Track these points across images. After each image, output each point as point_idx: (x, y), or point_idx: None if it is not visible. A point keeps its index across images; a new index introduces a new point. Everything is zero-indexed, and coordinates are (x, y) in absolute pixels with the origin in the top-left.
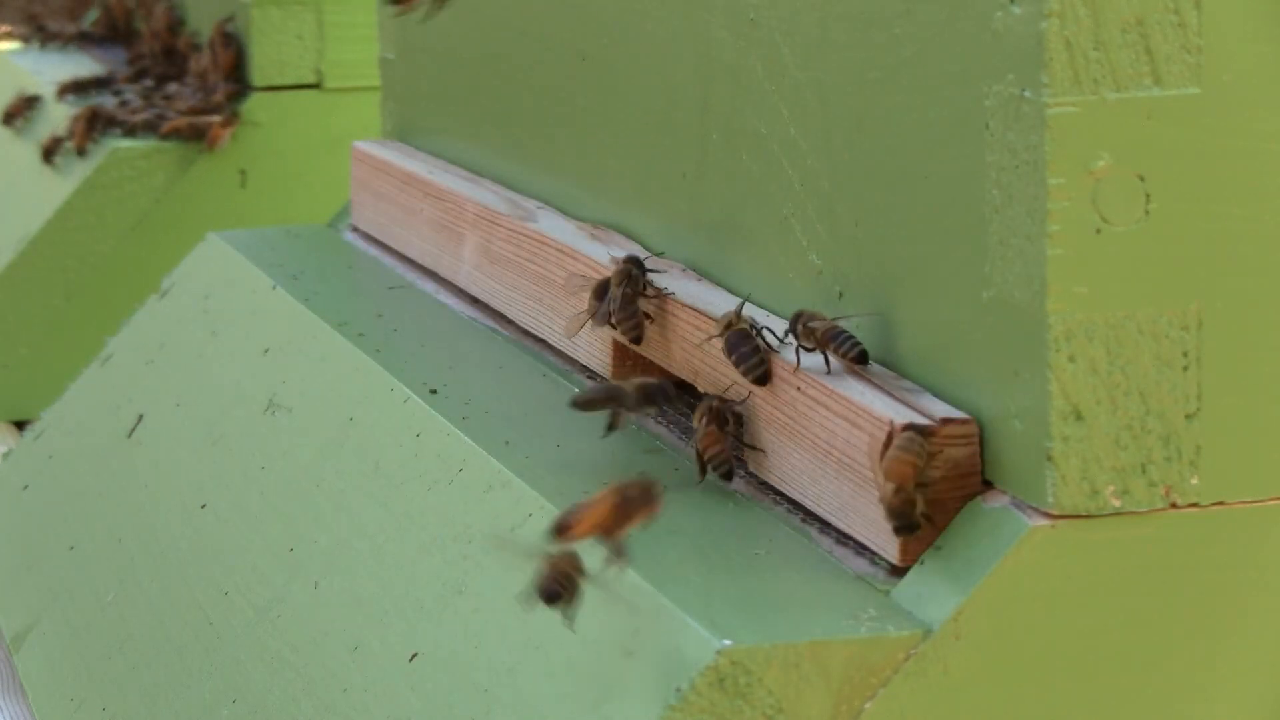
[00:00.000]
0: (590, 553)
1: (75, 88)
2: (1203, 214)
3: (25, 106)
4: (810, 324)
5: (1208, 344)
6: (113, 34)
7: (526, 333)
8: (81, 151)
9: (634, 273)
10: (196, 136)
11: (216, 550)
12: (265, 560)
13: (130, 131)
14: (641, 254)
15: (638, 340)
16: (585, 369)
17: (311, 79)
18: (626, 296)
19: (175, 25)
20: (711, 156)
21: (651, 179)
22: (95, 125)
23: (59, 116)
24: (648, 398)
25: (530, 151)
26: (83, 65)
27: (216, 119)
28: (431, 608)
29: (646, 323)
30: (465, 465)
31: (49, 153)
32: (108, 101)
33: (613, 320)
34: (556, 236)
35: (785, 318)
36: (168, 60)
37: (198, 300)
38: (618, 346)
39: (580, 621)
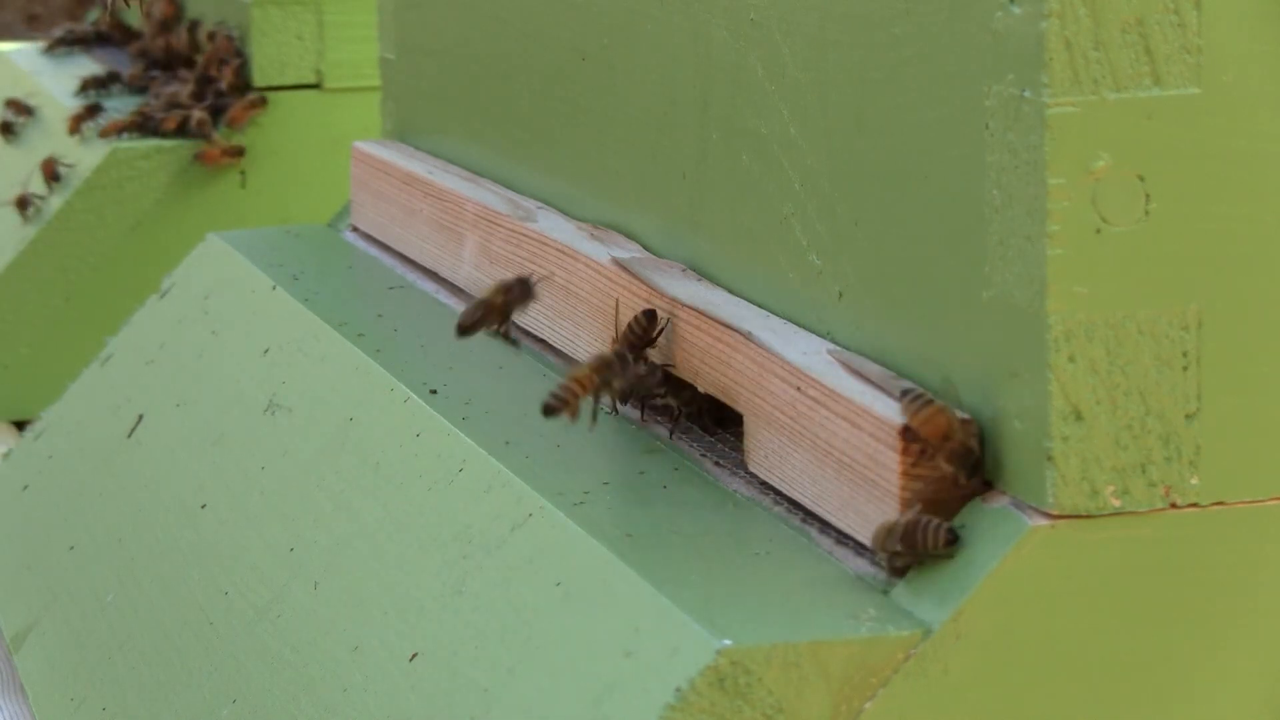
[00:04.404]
0: None
1: (96, 83)
2: (1203, 214)
3: (20, 112)
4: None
5: (1208, 344)
6: (113, 34)
7: (527, 333)
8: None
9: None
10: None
11: (216, 550)
12: (265, 560)
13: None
14: (640, 252)
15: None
16: None
17: (311, 79)
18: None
19: (176, 24)
20: (711, 156)
21: (651, 179)
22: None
23: (55, 120)
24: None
25: (530, 151)
26: (83, 65)
27: (220, 143)
28: (431, 608)
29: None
30: (465, 465)
31: (23, 205)
32: (121, 105)
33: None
34: (556, 236)
35: (785, 318)
36: (169, 59)
37: (198, 300)
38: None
39: (580, 621)
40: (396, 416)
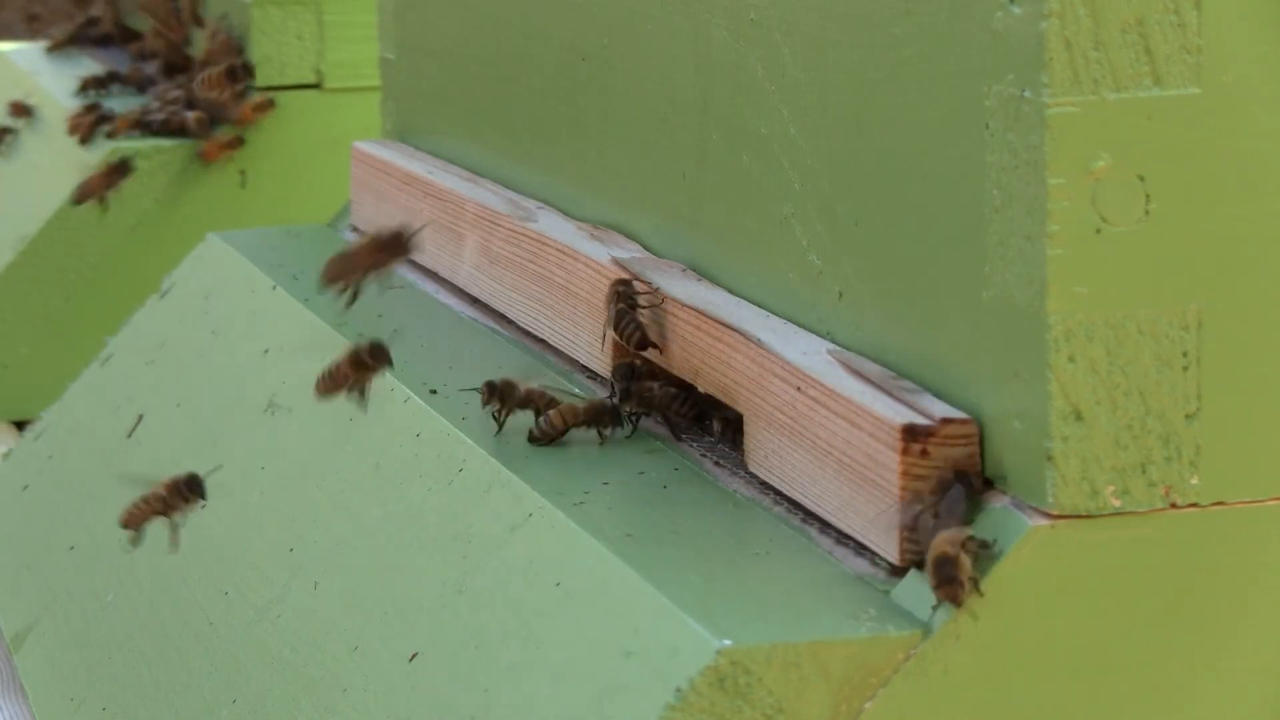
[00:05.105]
0: None
1: (96, 83)
2: (1203, 214)
3: (20, 114)
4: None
5: (1208, 344)
6: (113, 34)
7: (526, 333)
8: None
9: (623, 290)
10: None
11: (216, 550)
12: (265, 560)
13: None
14: (640, 252)
15: (643, 345)
16: (585, 369)
17: (311, 79)
18: (621, 311)
19: (175, 18)
20: (711, 156)
21: (651, 179)
22: (99, 124)
23: (55, 120)
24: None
25: (530, 151)
26: (83, 65)
27: (218, 137)
28: (431, 608)
29: (649, 329)
30: (465, 465)
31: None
32: (123, 104)
33: (616, 332)
34: (556, 236)
35: (785, 318)
36: (171, 58)
37: (198, 300)
38: (618, 344)
39: (580, 621)
40: (396, 416)
